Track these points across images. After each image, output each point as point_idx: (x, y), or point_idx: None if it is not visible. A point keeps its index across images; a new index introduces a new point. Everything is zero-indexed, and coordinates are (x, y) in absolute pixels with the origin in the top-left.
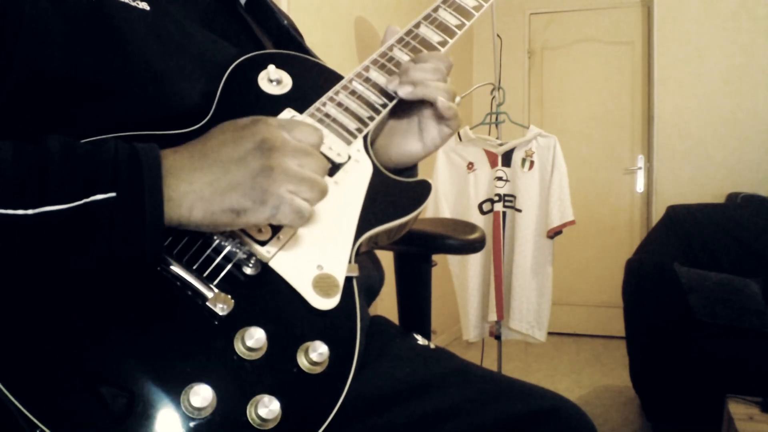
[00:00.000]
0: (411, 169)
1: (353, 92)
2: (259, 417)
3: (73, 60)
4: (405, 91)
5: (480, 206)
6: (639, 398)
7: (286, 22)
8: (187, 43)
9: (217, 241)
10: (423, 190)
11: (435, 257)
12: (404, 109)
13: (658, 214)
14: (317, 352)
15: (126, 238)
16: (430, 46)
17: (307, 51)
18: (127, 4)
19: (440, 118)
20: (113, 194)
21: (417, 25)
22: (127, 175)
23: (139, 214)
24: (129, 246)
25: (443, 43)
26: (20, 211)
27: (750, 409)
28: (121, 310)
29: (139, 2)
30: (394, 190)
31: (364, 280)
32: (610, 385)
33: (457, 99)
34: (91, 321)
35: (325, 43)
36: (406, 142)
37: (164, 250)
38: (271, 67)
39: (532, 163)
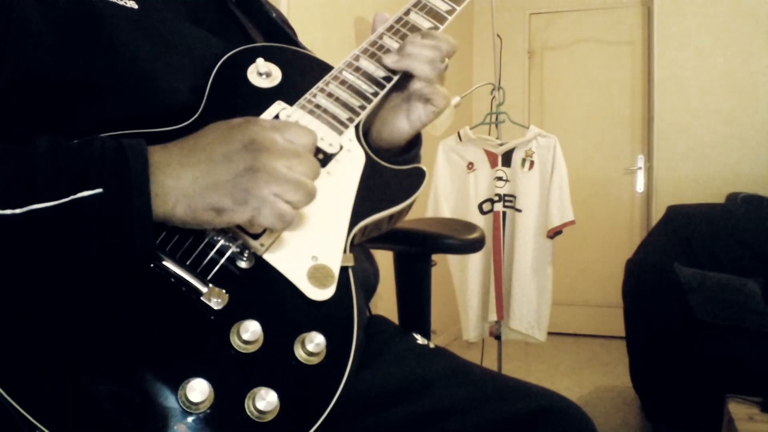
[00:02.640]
0: (410, 151)
1: (343, 82)
2: (257, 410)
3: (62, 60)
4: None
5: (480, 206)
6: (639, 398)
7: (275, 14)
8: (175, 40)
9: (210, 236)
10: (417, 177)
11: (435, 257)
12: (394, 87)
13: (658, 214)
14: (314, 342)
15: (115, 234)
16: None
17: (297, 43)
18: (114, 3)
19: (426, 100)
20: (100, 190)
21: (407, 12)
22: (113, 171)
23: (127, 209)
24: (119, 241)
25: (434, 30)
26: (8, 211)
27: (750, 409)
28: (116, 307)
29: (126, 0)
30: (388, 179)
31: (360, 274)
32: (610, 385)
33: (457, 99)
34: (87, 319)
35: (325, 43)
36: (394, 119)
37: (157, 246)
38: (260, 61)
39: (532, 163)
